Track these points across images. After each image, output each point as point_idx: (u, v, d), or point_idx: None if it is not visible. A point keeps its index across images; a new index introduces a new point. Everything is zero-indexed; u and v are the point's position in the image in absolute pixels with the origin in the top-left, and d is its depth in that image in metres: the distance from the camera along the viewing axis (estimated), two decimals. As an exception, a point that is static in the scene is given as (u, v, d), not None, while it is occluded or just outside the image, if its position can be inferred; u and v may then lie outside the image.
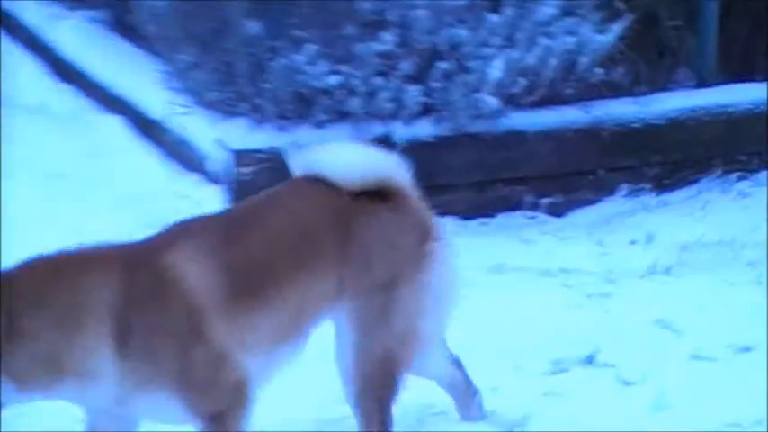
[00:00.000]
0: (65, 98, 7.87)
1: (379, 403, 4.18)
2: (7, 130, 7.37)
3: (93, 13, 8.35)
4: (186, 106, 6.81)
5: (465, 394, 4.55)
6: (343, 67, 6.47)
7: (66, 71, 8.07)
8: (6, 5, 8.75)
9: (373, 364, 4.14)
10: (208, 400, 3.93)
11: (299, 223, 4.15)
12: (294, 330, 4.09)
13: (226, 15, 6.60)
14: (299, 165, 4.32)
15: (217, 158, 6.52)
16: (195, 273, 3.88)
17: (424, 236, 4.21)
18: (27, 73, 8.25)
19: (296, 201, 4.24)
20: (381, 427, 4.19)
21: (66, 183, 6.89)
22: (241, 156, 6.41)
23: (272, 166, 6.29)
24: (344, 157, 4.33)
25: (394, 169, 4.25)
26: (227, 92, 6.63)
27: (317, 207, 4.18)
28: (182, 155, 6.84)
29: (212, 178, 6.56)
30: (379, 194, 4.18)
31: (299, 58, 6.44)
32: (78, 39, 8.17)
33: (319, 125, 6.51)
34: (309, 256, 4.11)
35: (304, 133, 6.46)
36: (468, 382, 4.54)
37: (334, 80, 6.46)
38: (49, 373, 3.80)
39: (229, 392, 3.95)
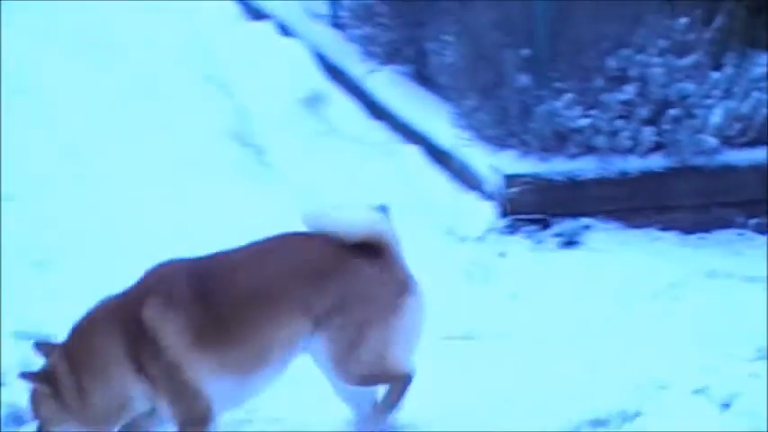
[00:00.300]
0: (377, 131, 7.98)
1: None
2: (335, 154, 7.62)
3: (399, 67, 8.37)
4: (469, 140, 6.92)
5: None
6: (593, 112, 6.52)
7: (378, 111, 8.18)
8: (336, 61, 8.93)
9: (355, 379, 4.11)
10: (179, 412, 4.00)
11: (274, 274, 4.01)
12: (258, 367, 4.01)
13: (502, 70, 6.72)
14: (309, 221, 4.13)
15: (491, 181, 6.59)
16: (166, 327, 3.92)
17: (400, 289, 4.10)
18: (348, 111, 8.41)
19: (277, 253, 4.09)
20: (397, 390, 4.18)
21: (376, 195, 6.63)
22: (511, 179, 6.48)
23: (535, 187, 6.43)
24: (342, 216, 4.14)
25: (384, 232, 4.11)
26: (502, 129, 6.71)
27: (297, 259, 4.05)
28: (464, 177, 6.90)
29: (487, 196, 6.61)
30: (369, 249, 4.05)
31: (558, 104, 6.52)
32: (388, 86, 8.26)
33: (572, 157, 6.56)
34: (277, 306, 3.99)
35: (559, 163, 6.54)
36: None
37: (584, 122, 6.53)
38: (105, 409, 3.99)
39: (194, 411, 3.98)
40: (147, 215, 6.38)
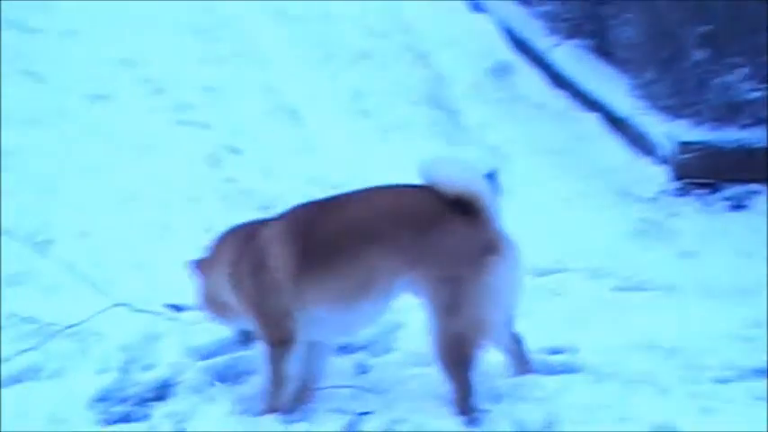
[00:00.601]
0: (558, 100, 7.89)
1: (458, 371, 3.99)
2: (519, 119, 7.57)
3: (580, 41, 8.25)
4: (645, 109, 6.81)
5: (520, 362, 4.29)
6: (765, 85, 6.33)
7: (559, 81, 8.09)
8: (522, 35, 8.90)
9: (448, 342, 3.95)
10: (266, 332, 4.03)
11: (375, 216, 3.94)
12: (357, 297, 3.95)
13: (679, 44, 6.58)
14: (421, 169, 4.00)
15: (665, 147, 6.48)
16: (274, 248, 3.97)
17: (488, 249, 3.91)
18: (532, 81, 8.31)
19: (383, 198, 4.02)
20: (462, 387, 4.01)
21: (557, 157, 7.00)
22: (684, 145, 6.35)
23: (706, 154, 6.28)
24: (446, 170, 3.99)
25: (482, 191, 3.93)
26: (677, 100, 6.58)
27: (398, 205, 3.95)
28: (640, 143, 6.79)
29: (661, 161, 6.52)
30: (464, 207, 3.89)
31: (732, 78, 6.36)
32: (570, 58, 8.15)
33: (742, 127, 6.37)
34: (374, 244, 3.90)
35: (730, 132, 6.36)
36: (524, 355, 4.30)
37: (756, 94, 6.35)
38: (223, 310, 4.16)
39: (279, 333, 3.99)
40: (357, 172, 6.45)
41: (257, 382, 4.13)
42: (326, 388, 4.31)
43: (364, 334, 4.56)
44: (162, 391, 4.25)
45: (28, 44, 7.81)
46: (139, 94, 7.41)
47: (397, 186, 4.07)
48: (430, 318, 3.95)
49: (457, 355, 3.96)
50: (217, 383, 4.34)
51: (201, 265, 4.23)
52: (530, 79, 8.30)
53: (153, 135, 6.72)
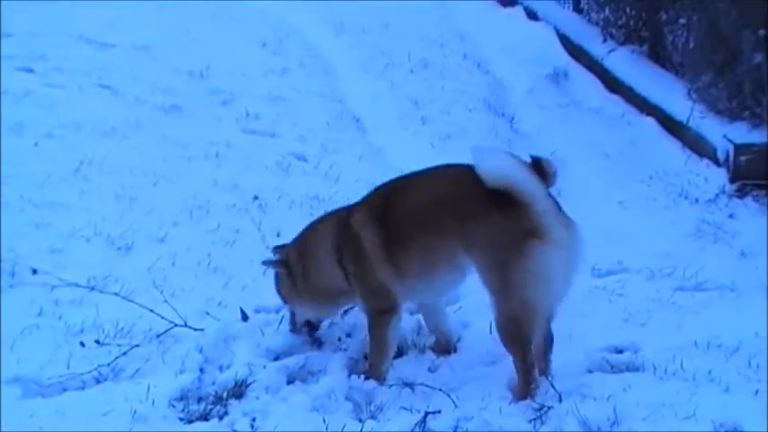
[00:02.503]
0: (614, 104, 7.85)
1: (518, 347, 4.13)
2: (576, 124, 7.55)
3: (636, 47, 8.29)
4: (702, 112, 6.76)
5: (540, 361, 4.30)
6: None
7: (615, 86, 8.07)
8: (578, 41, 8.88)
9: (505, 321, 4.10)
10: (370, 303, 4.31)
11: (432, 200, 4.15)
12: (431, 272, 4.22)
13: (736, 48, 6.52)
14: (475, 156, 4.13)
15: (723, 149, 6.43)
16: (365, 232, 4.25)
17: (526, 235, 3.97)
18: (588, 86, 8.32)
19: (438, 182, 4.22)
20: (522, 362, 4.14)
21: (614, 161, 6.94)
22: (741, 148, 6.31)
23: (763, 155, 6.22)
24: (491, 160, 4.10)
25: (522, 183, 3.98)
26: (734, 103, 6.54)
27: (452, 191, 4.11)
28: (697, 146, 6.74)
29: (718, 163, 6.48)
30: (505, 196, 3.98)
31: (790, 82, 6.28)
32: (625, 64, 8.15)
33: (797, 133, 6.28)
34: (433, 228, 4.13)
35: (785, 137, 6.26)
36: (547, 356, 4.33)
37: (812, 100, 6.24)
38: (321, 294, 4.47)
39: (380, 302, 4.29)
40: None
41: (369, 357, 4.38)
42: (395, 386, 4.34)
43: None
44: (238, 390, 4.29)
45: (103, 59, 7.94)
46: (209, 104, 7.50)
47: (449, 170, 4.26)
48: (488, 298, 4.13)
49: (513, 334, 4.09)
50: (289, 383, 4.39)
51: (288, 257, 4.49)
52: (586, 85, 8.31)
53: (222, 144, 6.79)
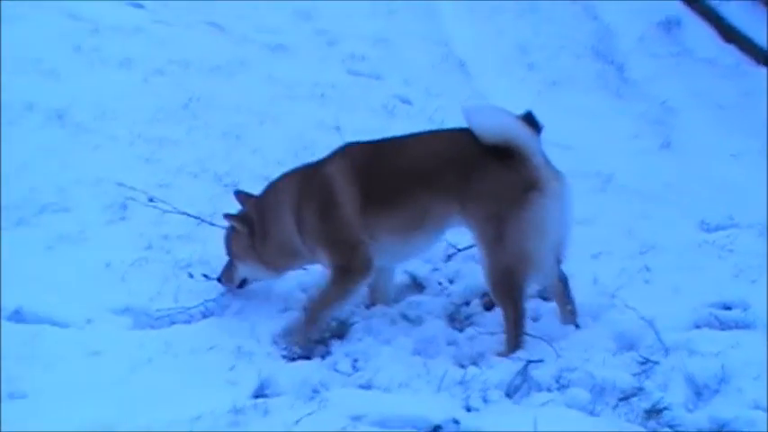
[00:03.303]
0: (728, 55, 7.64)
1: (511, 299, 4.09)
2: (688, 74, 7.34)
3: None
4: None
5: (563, 303, 4.29)
6: None
7: (730, 35, 7.87)
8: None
9: (498, 274, 4.06)
10: (338, 258, 4.14)
11: (430, 157, 4.09)
12: (413, 230, 4.13)
13: None
14: (465, 114, 4.12)
15: None
16: (340, 183, 4.12)
17: (526, 186, 3.99)
18: (701, 36, 8.08)
19: (436, 141, 4.18)
20: (515, 314, 4.09)
21: (726, 113, 6.80)
22: None
23: None
24: (485, 116, 4.12)
25: (519, 136, 4.00)
26: None
27: (450, 149, 4.09)
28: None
29: None
30: (502, 151, 3.98)
31: None
32: (740, 12, 7.97)
33: None
34: (431, 181, 4.06)
35: None
36: (568, 296, 4.29)
37: None
38: (278, 252, 4.28)
39: (352, 258, 4.13)
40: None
41: (310, 307, 4.24)
42: (498, 333, 4.29)
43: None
44: (340, 331, 4.30)
45: (212, -3, 7.97)
46: (314, 45, 7.48)
47: (444, 131, 4.30)
48: (480, 252, 4.10)
49: (507, 286, 4.08)
50: (391, 325, 4.37)
51: (250, 213, 4.37)
52: (698, 34, 8.10)
53: (327, 85, 6.77)
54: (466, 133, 4.08)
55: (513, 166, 4.02)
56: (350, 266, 4.17)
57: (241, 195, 4.49)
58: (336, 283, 4.20)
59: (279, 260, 4.38)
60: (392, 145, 4.26)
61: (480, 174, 4.03)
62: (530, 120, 4.12)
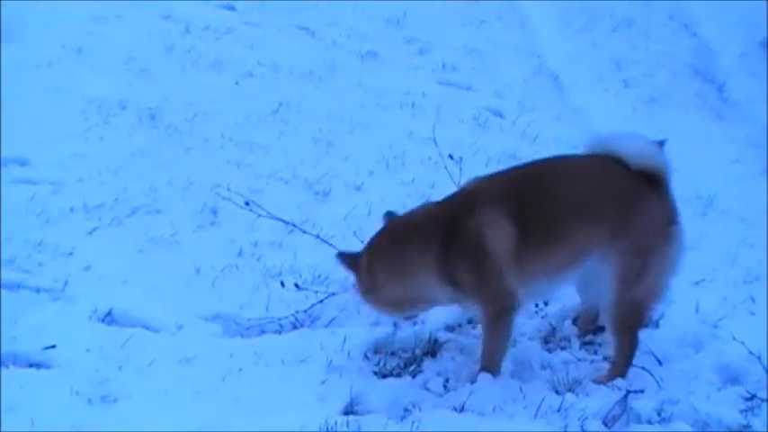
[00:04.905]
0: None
1: (631, 332, 4.01)
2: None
3: None
4: None
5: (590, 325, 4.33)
6: None
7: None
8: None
9: (628, 308, 3.97)
10: (490, 305, 3.91)
11: (582, 193, 3.93)
12: (560, 272, 3.98)
13: None
14: (596, 144, 4.03)
15: None
16: (494, 235, 3.82)
17: (671, 219, 3.95)
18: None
19: (584, 173, 3.99)
20: (630, 347, 4.02)
21: None
22: None
23: None
24: (636, 144, 4.00)
25: (663, 163, 3.95)
26: None
27: (603, 181, 3.94)
28: None
29: None
30: (647, 179, 3.90)
31: None
32: None
33: None
34: (584, 223, 3.90)
35: None
36: (597, 322, 4.29)
37: None
38: (398, 302, 4.01)
39: (503, 305, 3.91)
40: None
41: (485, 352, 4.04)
42: (595, 360, 4.19)
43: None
44: (432, 348, 4.23)
45: (303, 1, 7.95)
46: (405, 53, 7.44)
47: (594, 159, 4.03)
48: (611, 286, 3.97)
49: (632, 320, 4.01)
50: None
51: (373, 258, 4.03)
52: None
53: (418, 95, 6.72)
54: (615, 163, 3.96)
55: (660, 197, 3.96)
56: (498, 311, 3.97)
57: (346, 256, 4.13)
58: (490, 327, 4.01)
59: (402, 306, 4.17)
60: (543, 176, 4.00)
61: (638, 206, 3.93)
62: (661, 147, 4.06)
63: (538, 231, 3.89)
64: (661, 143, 4.06)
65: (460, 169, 5.24)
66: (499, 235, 3.85)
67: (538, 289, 4.06)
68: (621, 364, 4.05)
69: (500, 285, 3.91)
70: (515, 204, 3.87)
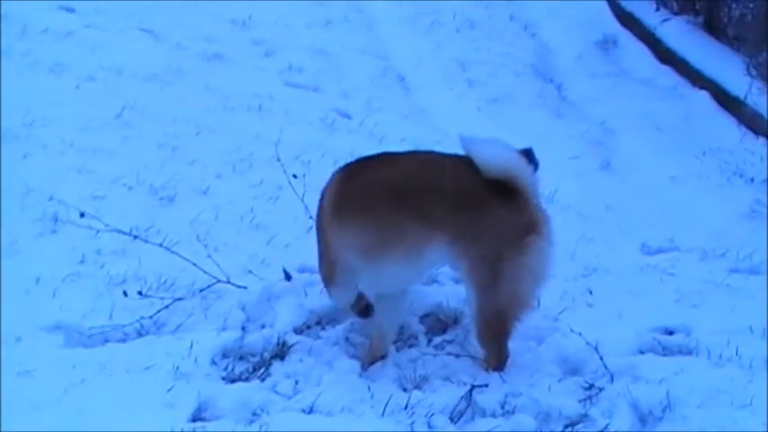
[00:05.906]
0: (666, 76, 7.74)
1: (497, 342, 4.02)
2: (625, 94, 7.40)
3: (690, 17, 8.18)
4: (761, 89, 6.64)
5: None
6: None
7: (668, 57, 7.94)
8: (630, 9, 8.73)
9: (489, 316, 3.95)
10: (320, 267, 4.14)
11: (420, 181, 3.89)
12: (385, 253, 3.91)
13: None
14: (463, 144, 3.91)
15: None
16: (328, 194, 4.04)
17: (528, 229, 3.84)
18: (639, 56, 8.20)
19: (431, 165, 3.97)
20: (498, 358, 4.05)
21: (666, 134, 6.85)
22: (797, 125, 6.16)
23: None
24: (489, 151, 3.87)
25: (519, 174, 3.83)
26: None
27: (446, 179, 3.88)
28: (754, 123, 6.64)
29: None
30: (504, 188, 3.81)
31: None
32: (678, 35, 8.03)
33: None
34: (412, 207, 3.85)
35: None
36: None
37: None
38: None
39: (324, 269, 4.11)
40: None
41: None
42: (440, 355, 4.26)
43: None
44: (281, 351, 4.23)
45: (143, 2, 7.82)
46: (251, 55, 7.40)
47: (448, 157, 4.00)
48: (469, 293, 3.97)
49: (495, 329, 3.99)
50: (333, 346, 4.31)
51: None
52: (637, 54, 8.21)
53: (265, 97, 6.69)
54: (467, 164, 3.86)
55: (513, 206, 3.84)
56: (324, 278, 4.19)
57: None
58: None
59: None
60: (391, 159, 4.10)
61: (480, 213, 3.83)
62: (529, 156, 3.96)
63: (358, 202, 3.95)
64: (526, 152, 3.96)
65: (304, 185, 5.25)
66: (328, 192, 4.06)
67: (353, 267, 4.03)
68: (493, 370, 4.08)
69: (325, 246, 4.08)
70: (352, 174, 4.03)
